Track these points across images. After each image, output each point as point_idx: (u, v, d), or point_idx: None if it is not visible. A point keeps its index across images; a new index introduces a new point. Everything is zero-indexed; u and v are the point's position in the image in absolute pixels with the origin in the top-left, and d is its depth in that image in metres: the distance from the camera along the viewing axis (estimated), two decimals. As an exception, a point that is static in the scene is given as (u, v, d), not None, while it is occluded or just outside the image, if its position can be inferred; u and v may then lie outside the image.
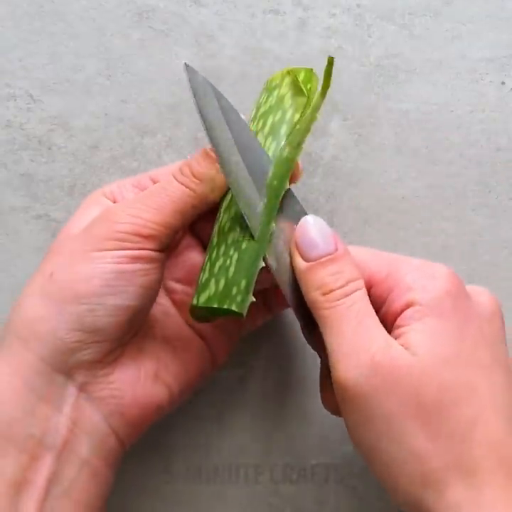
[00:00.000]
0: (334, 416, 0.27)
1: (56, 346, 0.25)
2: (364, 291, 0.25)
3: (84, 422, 0.25)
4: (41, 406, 0.25)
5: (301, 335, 0.27)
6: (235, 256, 0.26)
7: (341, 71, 0.34)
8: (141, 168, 0.34)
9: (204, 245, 0.30)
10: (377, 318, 0.25)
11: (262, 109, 0.29)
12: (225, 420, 0.33)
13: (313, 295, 0.25)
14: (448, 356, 0.23)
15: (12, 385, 0.24)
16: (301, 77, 0.28)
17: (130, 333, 0.27)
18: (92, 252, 0.25)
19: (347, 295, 0.24)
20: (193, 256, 0.30)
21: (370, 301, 0.25)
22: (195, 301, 0.26)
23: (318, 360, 0.28)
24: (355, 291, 0.25)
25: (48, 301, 0.25)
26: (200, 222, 0.29)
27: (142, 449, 0.31)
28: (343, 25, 0.34)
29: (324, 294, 0.24)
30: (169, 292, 0.29)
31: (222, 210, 0.28)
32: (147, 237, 0.25)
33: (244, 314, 0.25)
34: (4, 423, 0.24)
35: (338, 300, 0.24)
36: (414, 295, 0.24)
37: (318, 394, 0.28)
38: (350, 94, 0.34)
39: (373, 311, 0.25)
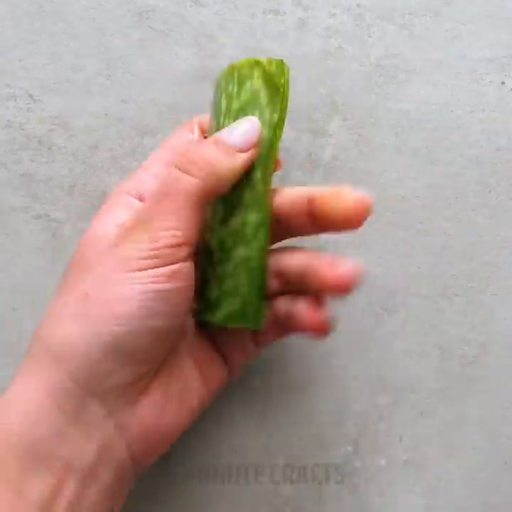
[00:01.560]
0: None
1: (91, 369, 0.24)
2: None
3: (111, 449, 0.25)
4: (72, 429, 0.24)
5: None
6: (245, 276, 0.26)
7: (341, 71, 0.34)
8: (141, 168, 0.34)
9: None
10: None
11: (235, 104, 0.27)
12: (225, 420, 0.33)
13: None
14: None
15: (45, 405, 0.24)
16: (272, 68, 0.27)
17: (164, 355, 0.26)
18: (127, 273, 0.24)
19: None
20: None
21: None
22: (211, 318, 0.26)
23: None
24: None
25: (83, 322, 0.24)
26: None
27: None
28: (343, 25, 0.34)
29: None
30: None
31: (217, 220, 0.27)
32: (173, 246, 0.24)
33: (261, 328, 0.26)
34: (37, 443, 0.23)
35: None
36: None
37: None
38: (350, 95, 0.34)
39: None
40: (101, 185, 0.34)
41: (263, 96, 0.27)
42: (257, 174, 0.26)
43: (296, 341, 0.33)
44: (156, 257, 0.24)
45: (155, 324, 0.24)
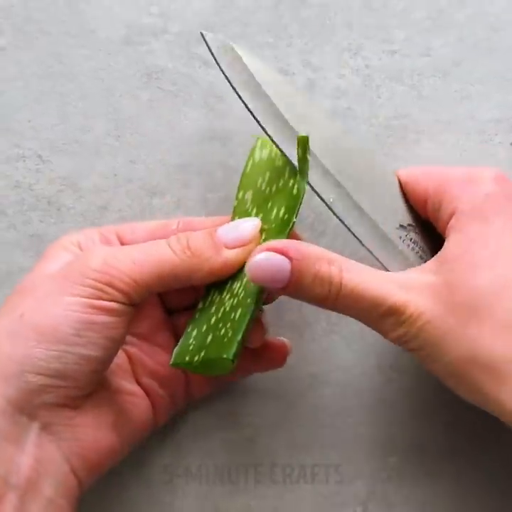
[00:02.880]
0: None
1: (21, 388, 0.25)
2: None
3: (47, 461, 0.25)
4: (4, 445, 0.25)
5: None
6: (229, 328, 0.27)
7: (351, 132, 0.34)
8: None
9: (165, 306, 0.31)
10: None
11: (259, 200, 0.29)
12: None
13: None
14: (479, 261, 0.24)
15: None
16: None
17: (94, 382, 0.27)
18: (65, 296, 0.25)
19: None
20: (153, 314, 0.30)
21: (429, 214, 0.28)
22: (188, 359, 0.27)
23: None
24: None
25: (16, 342, 0.25)
26: None
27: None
28: (352, 85, 0.34)
29: None
30: (125, 345, 0.30)
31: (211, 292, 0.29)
32: (120, 290, 0.25)
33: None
34: None
35: None
36: (457, 204, 0.26)
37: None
38: (359, 155, 0.34)
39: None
40: (110, 246, 0.34)
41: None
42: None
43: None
44: (93, 287, 0.25)
45: (83, 353, 0.25)
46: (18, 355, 0.25)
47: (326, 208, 0.34)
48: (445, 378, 0.26)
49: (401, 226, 0.29)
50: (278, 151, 0.28)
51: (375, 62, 0.34)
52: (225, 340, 0.26)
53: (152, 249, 0.26)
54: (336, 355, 0.34)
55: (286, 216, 0.27)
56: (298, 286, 0.25)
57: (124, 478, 0.33)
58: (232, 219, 0.29)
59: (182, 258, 0.26)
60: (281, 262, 0.24)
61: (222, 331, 0.27)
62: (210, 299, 0.29)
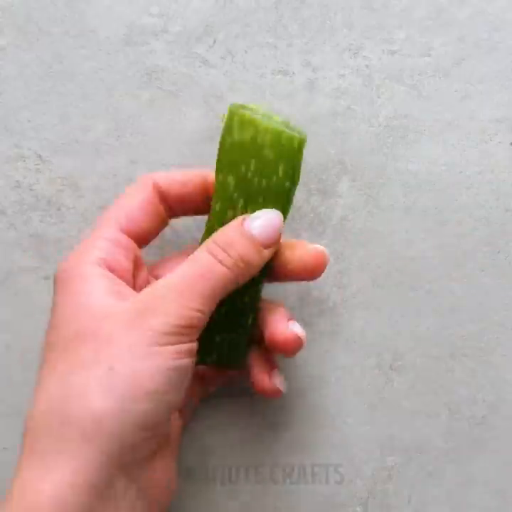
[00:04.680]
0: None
1: (121, 443, 0.24)
2: None
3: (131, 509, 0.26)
4: (100, 505, 0.24)
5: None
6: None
7: (350, 132, 0.34)
8: (150, 230, 0.34)
9: None
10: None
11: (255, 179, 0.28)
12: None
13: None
14: None
15: (75, 485, 0.23)
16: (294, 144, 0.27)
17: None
18: (153, 347, 0.24)
19: None
20: None
21: None
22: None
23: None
24: None
25: (110, 396, 0.24)
26: None
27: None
28: (352, 85, 0.34)
29: None
30: None
31: None
32: (196, 326, 0.25)
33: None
34: None
35: None
36: None
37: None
38: (359, 155, 0.34)
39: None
40: (110, 246, 0.34)
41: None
42: None
43: (305, 402, 0.34)
44: (178, 333, 0.25)
45: (173, 398, 0.25)
46: (115, 410, 0.24)
47: (326, 207, 0.34)
48: None
49: None
50: (266, 139, 0.27)
51: (375, 62, 0.34)
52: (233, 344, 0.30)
53: (213, 274, 0.26)
54: (336, 355, 0.34)
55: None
56: None
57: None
58: (214, 204, 0.28)
59: (236, 272, 0.26)
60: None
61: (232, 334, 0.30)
62: None
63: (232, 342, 0.30)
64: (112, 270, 0.27)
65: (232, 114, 0.27)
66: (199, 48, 0.34)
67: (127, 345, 0.25)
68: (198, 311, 0.25)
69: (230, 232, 0.27)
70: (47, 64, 0.34)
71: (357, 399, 0.33)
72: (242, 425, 0.34)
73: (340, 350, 0.34)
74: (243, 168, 0.27)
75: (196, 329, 0.25)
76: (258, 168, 0.27)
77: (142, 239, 0.29)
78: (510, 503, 0.33)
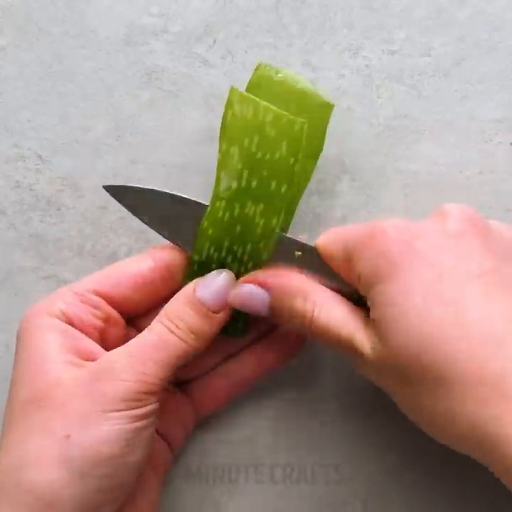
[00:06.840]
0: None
1: (83, 508, 0.25)
2: None
3: None
4: None
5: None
6: None
7: (350, 131, 0.34)
8: (150, 230, 0.33)
9: None
10: None
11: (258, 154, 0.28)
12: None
13: None
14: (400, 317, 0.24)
15: None
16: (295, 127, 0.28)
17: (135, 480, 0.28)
18: (109, 413, 0.25)
19: None
20: None
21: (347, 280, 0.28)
22: None
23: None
24: None
25: (67, 466, 0.24)
26: None
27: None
28: (352, 85, 0.34)
29: None
30: None
31: None
32: (153, 393, 0.26)
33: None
34: None
35: None
36: (359, 269, 0.26)
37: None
38: (359, 155, 0.34)
39: None
40: (110, 246, 0.34)
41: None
42: None
43: (305, 402, 0.34)
44: (133, 399, 0.25)
45: (135, 458, 0.26)
46: (73, 479, 0.24)
47: (326, 208, 0.34)
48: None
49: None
50: (268, 118, 0.28)
51: (375, 62, 0.34)
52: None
53: (167, 345, 0.27)
54: (336, 355, 0.34)
55: (287, 192, 0.28)
56: (276, 317, 0.28)
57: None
58: (218, 173, 0.28)
59: (189, 343, 0.27)
60: (262, 296, 0.27)
61: None
62: None
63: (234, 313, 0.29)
64: (72, 324, 0.28)
65: (232, 90, 0.28)
66: (199, 48, 0.34)
67: (81, 412, 0.25)
68: (154, 377, 0.26)
69: (179, 304, 0.28)
70: (47, 64, 0.34)
71: (357, 399, 0.33)
72: (242, 425, 0.34)
73: (340, 350, 0.34)
74: (246, 141, 0.28)
75: (153, 394, 0.26)
76: (261, 144, 0.28)
77: (124, 305, 0.30)
78: (511, 503, 0.33)
